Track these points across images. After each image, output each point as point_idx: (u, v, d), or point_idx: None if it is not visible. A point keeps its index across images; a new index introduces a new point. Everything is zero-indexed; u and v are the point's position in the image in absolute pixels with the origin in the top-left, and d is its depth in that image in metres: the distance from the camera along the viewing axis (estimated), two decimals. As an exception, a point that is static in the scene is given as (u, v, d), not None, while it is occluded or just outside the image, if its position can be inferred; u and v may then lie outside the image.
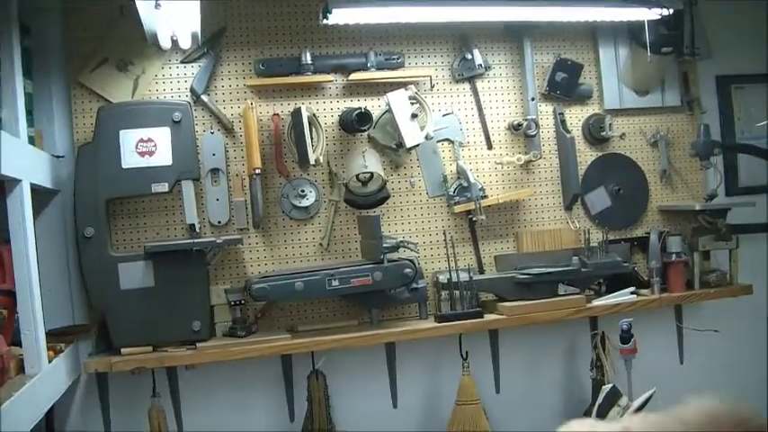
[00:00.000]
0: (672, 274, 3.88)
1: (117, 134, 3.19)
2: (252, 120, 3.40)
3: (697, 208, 3.91)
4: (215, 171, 3.47)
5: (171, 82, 3.47)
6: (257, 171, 3.38)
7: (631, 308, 3.72)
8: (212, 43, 3.49)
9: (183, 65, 3.48)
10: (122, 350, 3.15)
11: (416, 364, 3.69)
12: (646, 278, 3.87)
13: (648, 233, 3.92)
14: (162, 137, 3.22)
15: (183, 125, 3.24)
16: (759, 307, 4.17)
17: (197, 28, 3.09)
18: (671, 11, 3.71)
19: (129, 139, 3.20)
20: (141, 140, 3.20)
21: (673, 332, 4.02)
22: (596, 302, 3.70)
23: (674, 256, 3.87)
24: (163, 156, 3.22)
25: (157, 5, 2.71)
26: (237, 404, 3.53)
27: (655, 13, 3.62)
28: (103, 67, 3.38)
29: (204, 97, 3.47)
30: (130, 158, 3.19)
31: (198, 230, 3.28)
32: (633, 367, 3.58)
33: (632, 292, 3.78)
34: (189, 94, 3.46)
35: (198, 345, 3.22)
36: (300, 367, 3.48)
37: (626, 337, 3.58)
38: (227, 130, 3.50)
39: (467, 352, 3.58)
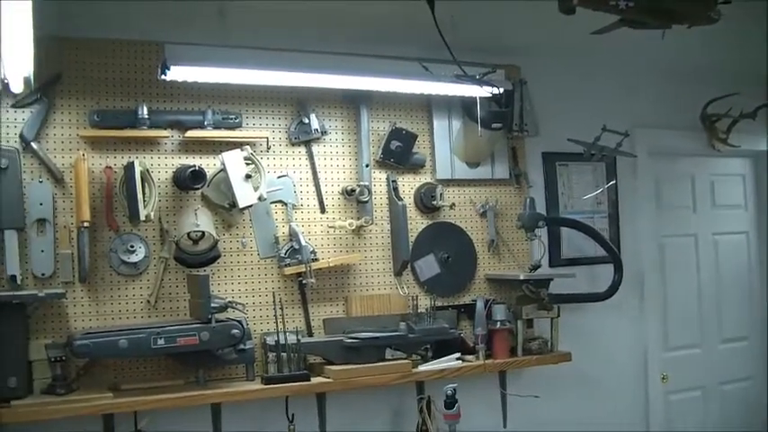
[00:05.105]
0: (496, 340, 3.99)
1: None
2: (83, 171, 3.33)
3: (521, 278, 4.06)
4: (41, 221, 3.35)
5: (-1, 127, 3.36)
6: (85, 224, 3.30)
7: (457, 373, 3.81)
8: (46, 90, 3.39)
9: (14, 110, 3.35)
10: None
11: (242, 425, 3.62)
12: (471, 344, 3.97)
13: (475, 300, 4.03)
14: (-14, 183, 3.11)
15: (9, 172, 3.16)
16: (578, 373, 4.36)
17: (30, 72, 3.01)
18: (501, 90, 3.90)
19: (-50, 184, 3.08)
20: (-37, 186, 3.09)
21: (497, 397, 4.13)
22: (422, 368, 3.76)
23: (498, 323, 3.99)
24: (-15, 203, 3.10)
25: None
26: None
27: (486, 92, 3.79)
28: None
29: (34, 145, 3.35)
30: (-49, 204, 3.07)
31: (19, 282, 3.17)
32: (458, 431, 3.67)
33: (458, 358, 3.88)
34: (18, 140, 3.34)
35: (12, 402, 3.06)
36: (123, 427, 3.35)
37: (450, 402, 3.66)
38: (57, 179, 3.39)
39: (293, 414, 3.57)
